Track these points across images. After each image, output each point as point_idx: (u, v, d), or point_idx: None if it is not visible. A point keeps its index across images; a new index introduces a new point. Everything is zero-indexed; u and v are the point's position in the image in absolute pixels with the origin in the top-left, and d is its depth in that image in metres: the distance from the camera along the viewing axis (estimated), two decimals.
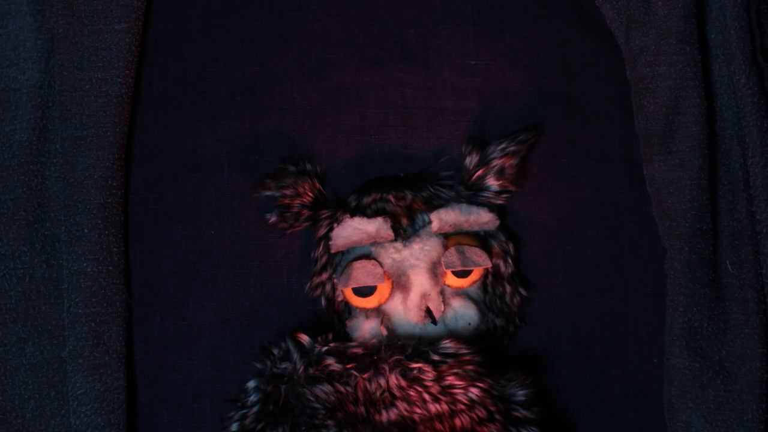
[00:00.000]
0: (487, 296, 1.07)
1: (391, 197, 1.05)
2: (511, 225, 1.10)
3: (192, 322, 1.10)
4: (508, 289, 1.07)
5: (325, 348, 1.00)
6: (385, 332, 1.02)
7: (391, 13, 1.13)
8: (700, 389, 1.02)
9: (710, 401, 1.02)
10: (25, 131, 1.07)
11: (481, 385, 0.99)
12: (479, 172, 1.06)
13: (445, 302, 1.04)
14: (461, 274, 1.04)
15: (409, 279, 1.03)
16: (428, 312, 1.02)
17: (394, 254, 1.04)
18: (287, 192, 1.07)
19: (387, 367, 0.98)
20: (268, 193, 1.07)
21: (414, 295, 1.03)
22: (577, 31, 1.12)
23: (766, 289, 1.04)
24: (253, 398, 1.00)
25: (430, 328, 1.04)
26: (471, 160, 1.07)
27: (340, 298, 1.06)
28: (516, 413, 1.00)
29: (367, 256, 1.04)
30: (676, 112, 1.06)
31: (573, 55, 1.12)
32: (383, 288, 1.03)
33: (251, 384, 1.01)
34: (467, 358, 1.00)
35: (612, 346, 1.09)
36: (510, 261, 1.07)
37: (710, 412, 1.02)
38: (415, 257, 1.04)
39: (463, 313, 1.05)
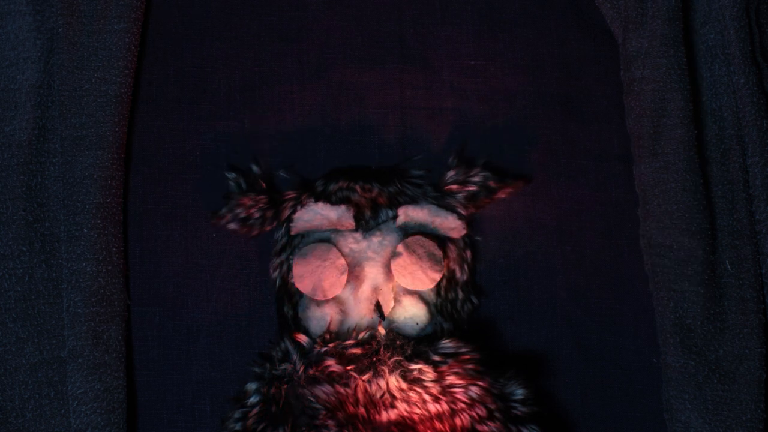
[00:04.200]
0: (438, 300, 1.06)
1: (357, 187, 1.05)
2: (510, 225, 1.10)
3: (192, 323, 1.10)
4: (461, 295, 1.07)
5: (324, 348, 1.00)
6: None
7: (391, 13, 1.13)
8: (697, 389, 1.02)
9: (708, 401, 1.02)
10: (25, 131, 1.07)
11: (480, 383, 0.99)
12: (454, 187, 1.06)
13: (395, 299, 1.04)
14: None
15: (364, 271, 1.03)
16: (377, 306, 1.03)
17: (352, 244, 1.04)
18: (239, 211, 1.05)
19: (386, 369, 0.98)
20: (227, 223, 1.06)
21: (366, 288, 1.03)
22: (576, 31, 1.13)
23: (766, 288, 1.04)
24: (253, 399, 1.00)
25: (376, 322, 1.03)
26: (453, 174, 1.07)
27: (293, 280, 1.06)
28: (515, 411, 1.00)
29: (327, 241, 1.04)
30: (661, 115, 1.06)
31: (572, 55, 1.12)
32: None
33: (252, 386, 1.01)
34: (467, 357, 1.00)
35: (612, 346, 1.09)
36: (466, 268, 1.07)
37: (708, 412, 1.02)
38: (373, 250, 1.04)
39: (412, 312, 1.04)
